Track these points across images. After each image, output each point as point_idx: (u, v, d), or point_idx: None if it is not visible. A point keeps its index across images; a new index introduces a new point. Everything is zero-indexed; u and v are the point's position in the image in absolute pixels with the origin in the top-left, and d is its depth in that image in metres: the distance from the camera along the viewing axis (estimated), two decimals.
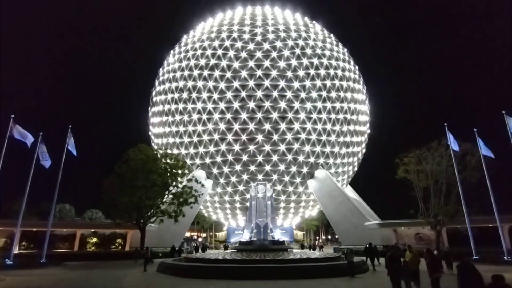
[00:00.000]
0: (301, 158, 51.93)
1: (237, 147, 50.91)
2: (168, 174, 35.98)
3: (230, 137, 50.82)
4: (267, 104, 50.52)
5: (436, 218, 34.40)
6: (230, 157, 51.31)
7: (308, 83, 52.24)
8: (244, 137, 50.59)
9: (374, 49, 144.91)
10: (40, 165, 28.90)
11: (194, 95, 52.55)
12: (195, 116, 52.16)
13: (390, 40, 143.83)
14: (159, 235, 42.21)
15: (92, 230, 43.08)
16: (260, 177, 50.77)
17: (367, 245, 24.74)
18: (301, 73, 52.44)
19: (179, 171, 37.08)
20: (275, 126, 50.59)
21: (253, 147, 50.79)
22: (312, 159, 52.48)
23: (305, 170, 52.69)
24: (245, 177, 51.68)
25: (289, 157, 51.49)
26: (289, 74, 51.92)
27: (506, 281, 7.56)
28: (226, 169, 51.98)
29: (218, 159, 51.71)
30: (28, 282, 18.46)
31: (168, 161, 37.41)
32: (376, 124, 65.61)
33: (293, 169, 52.22)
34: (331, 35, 63.44)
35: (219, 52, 53.69)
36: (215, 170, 52.36)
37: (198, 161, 52.75)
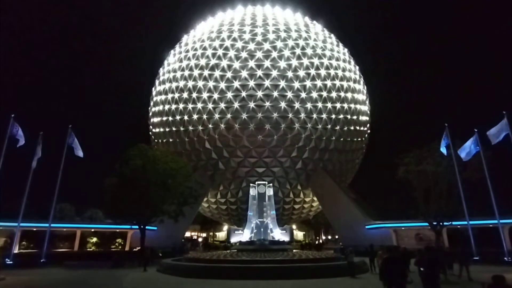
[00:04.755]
0: (301, 158, 51.89)
1: (237, 147, 50.89)
2: (168, 174, 35.91)
3: (230, 137, 50.79)
4: (267, 104, 50.49)
5: (436, 218, 34.37)
6: (230, 157, 51.28)
7: (308, 83, 52.22)
8: (244, 137, 50.56)
9: (375, 50, 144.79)
10: (40, 165, 28.94)
11: (194, 95, 52.51)
12: (195, 116, 52.12)
13: (390, 41, 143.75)
14: (159, 235, 42.21)
15: (93, 230, 43.12)
16: (260, 177, 50.75)
17: (369, 247, 24.59)
18: (301, 73, 52.40)
19: (179, 171, 37.00)
20: (276, 126, 50.57)
21: (254, 147, 50.76)
22: (312, 159, 52.44)
23: (305, 170, 52.65)
24: (245, 177, 51.64)
25: (290, 157, 51.46)
26: (290, 74, 51.88)
27: (507, 281, 7.55)
28: (226, 169, 51.95)
29: (219, 159, 51.68)
30: (28, 282, 18.48)
31: (168, 161, 37.35)
32: (377, 124, 65.63)
33: (294, 169, 52.18)
34: (332, 35, 63.41)
35: (220, 52, 53.67)
36: (215, 170, 52.32)
37: (198, 161, 52.70)
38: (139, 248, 38.72)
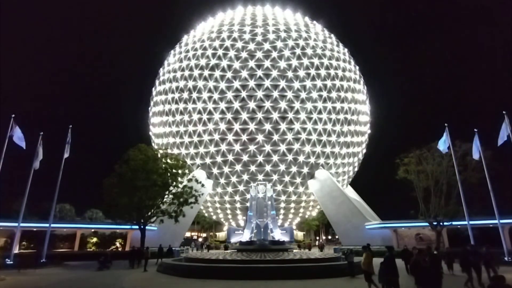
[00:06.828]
0: (301, 158, 51.91)
1: (237, 147, 50.92)
2: (169, 174, 35.88)
3: (230, 137, 50.83)
4: (267, 104, 50.52)
5: (436, 218, 34.35)
6: (230, 157, 51.31)
7: (308, 83, 52.27)
8: (244, 137, 50.59)
9: (375, 50, 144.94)
10: (40, 165, 28.92)
11: (194, 95, 52.56)
12: (195, 116, 52.16)
13: (390, 41, 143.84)
14: (159, 235, 42.18)
15: (93, 230, 43.07)
16: (260, 177, 50.79)
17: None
18: (301, 73, 52.45)
19: (179, 171, 36.97)
20: (276, 126, 50.59)
21: (254, 147, 50.79)
22: (312, 159, 52.46)
23: (305, 170, 52.66)
24: (245, 177, 51.68)
25: (290, 157, 51.47)
26: (290, 74, 51.93)
27: (507, 281, 7.55)
28: (226, 169, 51.98)
29: (219, 159, 51.72)
30: (28, 282, 18.46)
31: (169, 161, 37.34)
32: (377, 124, 65.74)
33: (294, 169, 52.20)
34: (332, 35, 63.46)
35: (220, 52, 53.70)
36: (215, 170, 52.37)
37: (198, 161, 52.76)
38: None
